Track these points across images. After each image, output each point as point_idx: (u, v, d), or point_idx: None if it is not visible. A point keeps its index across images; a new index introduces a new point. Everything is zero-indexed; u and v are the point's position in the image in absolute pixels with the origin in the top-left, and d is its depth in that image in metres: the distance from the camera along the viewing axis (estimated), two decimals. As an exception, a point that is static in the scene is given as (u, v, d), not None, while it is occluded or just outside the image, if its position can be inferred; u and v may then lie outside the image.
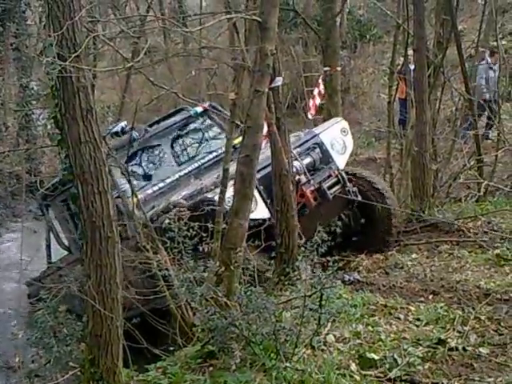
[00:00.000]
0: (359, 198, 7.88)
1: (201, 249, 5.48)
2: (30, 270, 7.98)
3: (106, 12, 16.98)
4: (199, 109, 8.84)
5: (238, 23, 6.88)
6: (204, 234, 5.54)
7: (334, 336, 5.38)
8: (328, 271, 4.82)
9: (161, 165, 8.57)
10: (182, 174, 8.36)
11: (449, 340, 5.28)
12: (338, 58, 12.24)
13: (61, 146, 4.59)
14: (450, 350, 5.15)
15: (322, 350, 5.11)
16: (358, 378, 4.76)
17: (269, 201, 7.03)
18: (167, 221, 5.36)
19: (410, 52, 12.37)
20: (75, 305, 6.53)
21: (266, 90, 5.38)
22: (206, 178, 7.74)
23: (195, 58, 10.54)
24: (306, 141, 8.00)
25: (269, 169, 6.99)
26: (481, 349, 5.18)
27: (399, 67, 14.42)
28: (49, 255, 9.21)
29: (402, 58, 14.51)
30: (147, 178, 8.35)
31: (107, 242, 4.37)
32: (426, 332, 5.52)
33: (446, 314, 5.84)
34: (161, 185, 8.18)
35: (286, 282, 5.96)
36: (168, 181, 8.23)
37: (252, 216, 6.32)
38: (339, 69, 11.84)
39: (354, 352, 5.09)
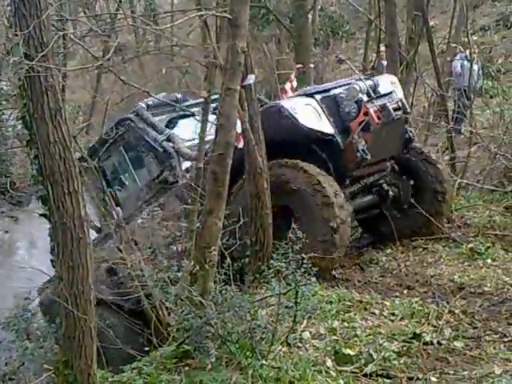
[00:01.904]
0: (415, 139, 7.94)
1: (175, 248, 5.46)
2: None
3: (76, 10, 16.82)
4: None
5: (210, 21, 6.85)
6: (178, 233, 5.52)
7: (310, 333, 5.39)
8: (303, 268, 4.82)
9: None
10: None
11: (424, 334, 5.31)
12: (311, 55, 12.28)
13: (30, 147, 4.51)
14: (425, 344, 5.19)
15: (298, 347, 5.11)
16: (333, 374, 4.76)
17: (331, 119, 7.12)
18: (140, 220, 5.34)
19: (383, 48, 12.43)
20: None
21: (238, 87, 5.35)
22: None
23: (167, 55, 10.46)
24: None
25: (330, 92, 7.28)
26: (455, 342, 5.23)
27: (372, 63, 14.48)
28: None
29: (374, 55, 14.58)
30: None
31: (79, 243, 4.30)
32: (401, 327, 5.55)
33: (420, 308, 5.88)
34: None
35: (262, 280, 5.95)
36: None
37: (317, 127, 6.86)
38: (312, 65, 11.88)
39: (329, 348, 5.09)
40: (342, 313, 5.84)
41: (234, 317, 4.67)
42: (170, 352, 5.01)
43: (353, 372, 4.80)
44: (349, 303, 6.11)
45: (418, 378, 4.70)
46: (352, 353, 4.97)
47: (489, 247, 7.31)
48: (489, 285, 6.38)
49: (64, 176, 4.25)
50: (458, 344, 5.20)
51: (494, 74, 16.86)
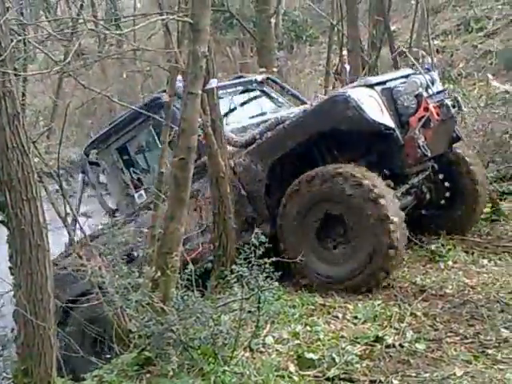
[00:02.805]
0: (462, 136, 7.72)
1: (135, 254, 5.41)
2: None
3: (37, 14, 16.64)
4: (259, 77, 8.87)
5: (173, 25, 6.82)
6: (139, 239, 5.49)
7: (273, 337, 5.38)
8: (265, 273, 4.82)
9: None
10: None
11: (386, 337, 5.34)
12: (274, 59, 12.31)
13: (-13, 153, 4.44)
14: (387, 347, 5.21)
15: (261, 352, 5.10)
16: (296, 378, 4.76)
17: (391, 112, 6.84)
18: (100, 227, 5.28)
19: (345, 52, 12.51)
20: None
21: (200, 92, 5.33)
22: None
23: (130, 59, 10.40)
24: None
25: (387, 84, 7.03)
26: (417, 345, 5.25)
27: (335, 67, 14.59)
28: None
29: (338, 59, 14.68)
30: None
31: (37, 250, 4.26)
32: (364, 330, 5.57)
33: (383, 311, 5.91)
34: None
35: (225, 285, 5.93)
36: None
37: (380, 120, 6.57)
38: (275, 69, 11.90)
39: (292, 353, 5.09)
40: (305, 317, 5.84)
41: (195, 323, 4.65)
42: (131, 359, 4.96)
43: (315, 376, 4.81)
44: (312, 307, 6.12)
45: (380, 381, 4.71)
46: (315, 357, 4.98)
47: (450, 249, 7.36)
48: (450, 287, 6.43)
49: (22, 182, 4.21)
50: (420, 346, 5.22)
51: (455, 77, 17.10)
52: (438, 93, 7.30)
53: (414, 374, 4.80)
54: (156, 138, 7.54)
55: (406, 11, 21.07)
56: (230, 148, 7.08)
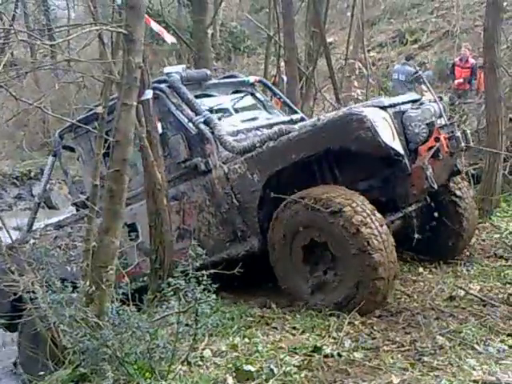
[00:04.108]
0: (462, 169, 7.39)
1: (69, 269, 5.30)
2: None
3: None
4: (251, 79, 8.52)
5: (108, 35, 6.73)
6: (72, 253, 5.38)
7: (211, 350, 5.33)
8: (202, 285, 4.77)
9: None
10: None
11: (324, 347, 5.34)
12: (212, 69, 12.30)
13: None
14: (326, 356, 5.20)
15: (199, 366, 5.04)
16: (234, 391, 4.73)
17: (400, 138, 6.40)
18: (32, 241, 5.15)
19: (283, 64, 12.60)
20: (67, 272, 6.10)
21: (135, 103, 5.28)
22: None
23: (64, 70, 10.23)
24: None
25: (396, 107, 6.62)
26: (355, 353, 5.27)
27: (273, 78, 14.67)
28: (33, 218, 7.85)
29: (275, 70, 14.78)
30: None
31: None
32: (303, 340, 5.56)
33: (321, 321, 5.92)
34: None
35: (161, 299, 5.85)
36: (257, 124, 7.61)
37: (392, 145, 6.12)
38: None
39: (230, 365, 5.04)
40: (243, 329, 5.82)
41: (131, 337, 4.58)
42: (65, 376, 4.87)
43: (254, 388, 4.79)
44: (251, 318, 6.10)
45: (318, 391, 4.73)
46: (253, 369, 4.93)
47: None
48: (387, 295, 6.50)
49: None
50: (358, 355, 5.24)
51: (391, 88, 17.46)
52: (451, 124, 7.04)
53: (351, 383, 4.81)
54: None
55: (342, 23, 21.42)
56: (225, 152, 6.80)
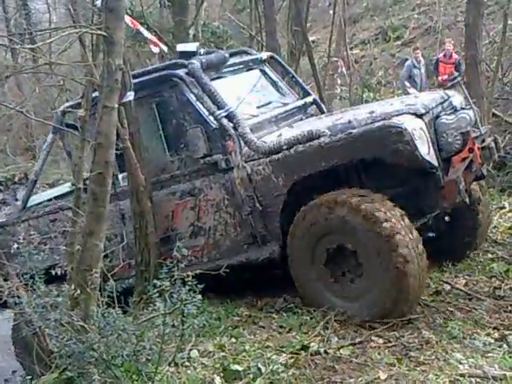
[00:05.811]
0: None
1: (53, 272, 5.24)
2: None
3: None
4: (264, 55, 8.13)
5: (89, 38, 6.70)
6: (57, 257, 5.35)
7: (198, 351, 5.34)
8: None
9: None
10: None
11: (311, 344, 5.36)
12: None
13: None
14: (313, 354, 5.23)
15: (186, 367, 5.05)
16: (222, 391, 4.73)
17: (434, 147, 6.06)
18: (16, 245, 5.11)
19: (265, 63, 12.54)
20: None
21: (116, 105, 5.26)
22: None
23: (46, 74, 10.18)
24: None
25: (433, 111, 6.27)
26: (342, 350, 5.31)
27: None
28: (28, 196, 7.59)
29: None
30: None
31: None
32: (290, 338, 5.58)
33: (308, 318, 5.94)
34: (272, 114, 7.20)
35: (147, 301, 5.83)
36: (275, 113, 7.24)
37: (427, 158, 5.81)
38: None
39: (218, 365, 5.05)
40: (230, 328, 5.84)
41: (117, 340, 4.55)
42: (52, 380, 4.83)
43: (241, 387, 4.79)
44: (237, 318, 6.13)
45: (306, 389, 4.74)
46: (240, 368, 4.95)
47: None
48: (373, 291, 6.51)
49: None
50: (345, 352, 5.27)
51: (375, 86, 17.51)
52: (485, 133, 6.58)
53: (339, 380, 4.83)
54: (158, 118, 6.87)
55: (325, 21, 21.41)
56: (246, 149, 6.48)
